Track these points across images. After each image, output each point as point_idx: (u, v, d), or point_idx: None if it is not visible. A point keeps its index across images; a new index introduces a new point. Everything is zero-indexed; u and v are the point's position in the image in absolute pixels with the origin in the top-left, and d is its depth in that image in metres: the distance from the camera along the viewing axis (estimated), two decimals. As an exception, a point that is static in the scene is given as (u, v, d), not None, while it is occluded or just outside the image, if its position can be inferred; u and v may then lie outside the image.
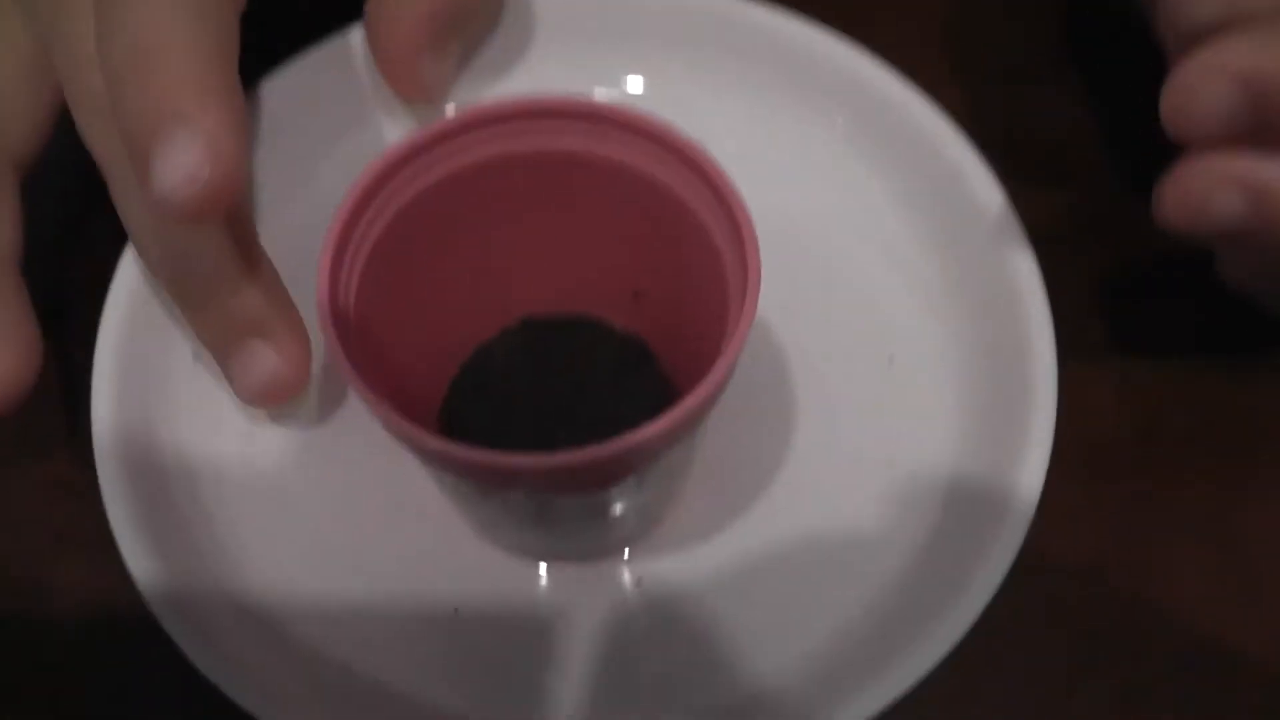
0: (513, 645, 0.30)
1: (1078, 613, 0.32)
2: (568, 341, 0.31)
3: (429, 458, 0.24)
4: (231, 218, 0.29)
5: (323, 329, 0.24)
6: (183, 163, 0.25)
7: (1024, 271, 0.31)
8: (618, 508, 0.27)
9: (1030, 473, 0.29)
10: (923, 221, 0.34)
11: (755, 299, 0.24)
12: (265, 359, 0.30)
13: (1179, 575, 0.32)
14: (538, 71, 0.36)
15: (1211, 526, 0.33)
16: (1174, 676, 0.31)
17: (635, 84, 0.36)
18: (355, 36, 0.35)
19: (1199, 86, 0.27)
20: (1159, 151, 0.29)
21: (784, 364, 0.33)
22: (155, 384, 0.32)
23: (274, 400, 0.30)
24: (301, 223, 0.34)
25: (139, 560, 0.28)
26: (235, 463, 0.32)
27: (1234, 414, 0.34)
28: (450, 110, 0.35)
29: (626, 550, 0.31)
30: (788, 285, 0.32)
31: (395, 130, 0.35)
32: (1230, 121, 0.27)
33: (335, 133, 0.35)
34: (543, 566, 0.31)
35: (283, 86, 0.34)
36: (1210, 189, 0.28)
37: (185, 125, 0.25)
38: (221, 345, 0.30)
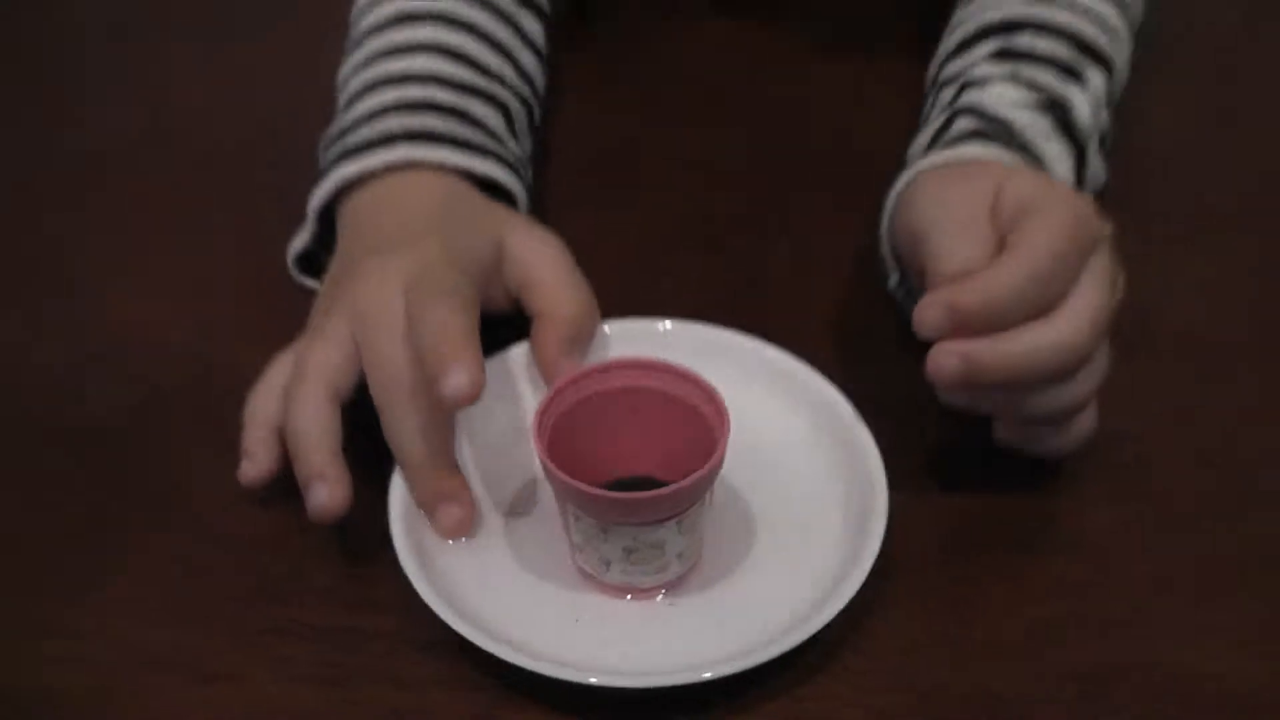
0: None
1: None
2: (640, 486, 0.58)
3: (579, 500, 0.53)
4: (444, 439, 0.58)
5: (541, 461, 0.54)
6: (457, 385, 0.53)
7: (876, 472, 0.59)
8: (665, 545, 0.55)
9: (868, 554, 0.56)
10: (826, 449, 0.62)
11: (725, 442, 0.54)
12: (454, 515, 0.58)
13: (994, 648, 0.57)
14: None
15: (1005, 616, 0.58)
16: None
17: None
18: (517, 352, 0.65)
19: (925, 314, 0.52)
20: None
21: (746, 509, 0.61)
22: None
23: (458, 536, 0.58)
24: (498, 437, 0.64)
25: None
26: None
27: (1030, 513, 0.60)
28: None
29: (662, 593, 0.57)
30: (748, 468, 0.61)
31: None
32: (943, 326, 0.51)
33: (509, 399, 0.65)
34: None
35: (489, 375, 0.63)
36: (937, 357, 0.51)
37: (458, 366, 0.53)
38: (429, 507, 0.58)
